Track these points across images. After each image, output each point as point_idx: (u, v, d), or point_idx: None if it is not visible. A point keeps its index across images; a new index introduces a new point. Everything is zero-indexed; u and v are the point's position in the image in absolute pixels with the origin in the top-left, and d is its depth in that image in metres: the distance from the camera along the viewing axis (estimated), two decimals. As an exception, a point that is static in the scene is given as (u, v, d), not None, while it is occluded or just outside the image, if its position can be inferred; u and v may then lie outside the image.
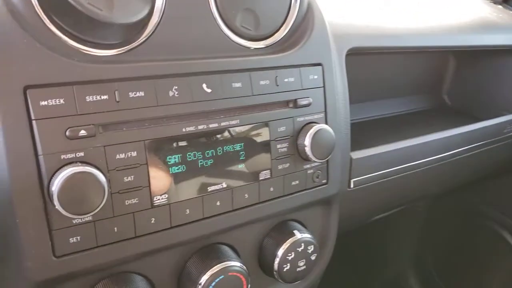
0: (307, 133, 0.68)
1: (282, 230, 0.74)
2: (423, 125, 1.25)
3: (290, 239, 0.72)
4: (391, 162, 1.02)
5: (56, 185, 0.47)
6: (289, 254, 0.72)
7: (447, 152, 1.14)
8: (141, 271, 0.62)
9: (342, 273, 2.15)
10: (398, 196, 1.12)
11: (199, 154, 0.60)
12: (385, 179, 1.02)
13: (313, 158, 0.68)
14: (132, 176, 0.54)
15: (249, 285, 0.68)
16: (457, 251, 1.76)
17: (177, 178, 0.59)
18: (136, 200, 0.55)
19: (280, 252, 0.71)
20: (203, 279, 0.63)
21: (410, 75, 1.40)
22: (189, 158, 0.60)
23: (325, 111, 0.73)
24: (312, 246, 0.74)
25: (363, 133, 1.14)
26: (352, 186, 0.96)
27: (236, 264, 0.65)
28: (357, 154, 0.93)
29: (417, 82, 1.44)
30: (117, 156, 0.53)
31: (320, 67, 0.72)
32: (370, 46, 0.96)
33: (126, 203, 0.55)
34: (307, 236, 0.74)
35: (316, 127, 0.68)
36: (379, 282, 2.05)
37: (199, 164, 0.61)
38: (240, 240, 0.71)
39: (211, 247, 0.67)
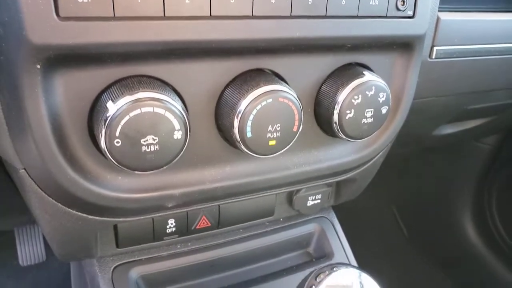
0: None
1: (347, 72, 0.58)
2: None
3: (358, 79, 0.56)
4: (488, 36, 0.82)
5: None
6: (356, 97, 0.56)
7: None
8: (171, 82, 0.49)
9: (387, 217, 1.99)
10: (485, 87, 0.92)
11: None
12: (476, 58, 0.83)
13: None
14: None
15: (301, 126, 0.54)
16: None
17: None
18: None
19: (344, 95, 0.56)
20: (245, 103, 0.50)
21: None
22: None
23: None
24: (385, 94, 0.58)
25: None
26: (434, 56, 0.77)
27: (289, 91, 0.51)
28: (446, 16, 0.74)
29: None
30: None
31: None
32: None
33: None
34: (380, 80, 0.58)
35: None
36: (430, 228, 1.88)
37: None
38: (295, 74, 0.56)
39: (259, 71, 0.53)
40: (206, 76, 0.51)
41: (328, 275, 0.44)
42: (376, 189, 2.06)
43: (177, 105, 0.46)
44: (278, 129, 0.52)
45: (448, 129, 1.15)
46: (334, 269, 0.45)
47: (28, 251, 1.35)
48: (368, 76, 0.57)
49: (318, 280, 0.44)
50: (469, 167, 1.71)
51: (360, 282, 0.48)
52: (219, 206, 0.65)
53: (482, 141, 1.62)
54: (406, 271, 1.83)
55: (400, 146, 1.32)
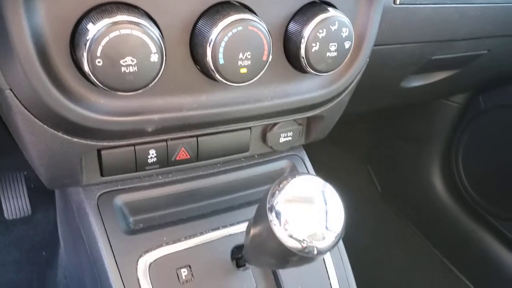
0: None
1: (313, 8, 0.63)
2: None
3: (322, 14, 0.61)
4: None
5: None
6: (320, 31, 0.61)
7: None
8: (148, 10, 0.52)
9: (363, 176, 2.08)
10: (447, 36, 0.98)
11: None
12: (439, 5, 0.88)
13: None
14: None
15: (270, 55, 0.59)
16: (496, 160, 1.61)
17: None
18: None
19: (309, 29, 0.61)
20: (216, 31, 0.54)
21: None
22: None
23: None
24: (347, 29, 0.63)
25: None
26: (398, 2, 0.82)
27: (258, 20, 0.56)
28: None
29: None
30: None
31: None
32: None
33: None
34: (343, 16, 0.62)
35: None
36: (402, 184, 1.97)
37: None
38: (265, 8, 0.60)
39: (230, 4, 0.57)
40: (181, 5, 0.54)
41: (290, 180, 0.50)
42: (353, 150, 2.15)
43: (154, 30, 0.50)
44: (249, 57, 0.57)
45: (416, 82, 1.21)
46: (297, 176, 0.51)
47: (13, 204, 1.38)
48: (332, 12, 0.62)
49: (281, 186, 0.50)
50: (438, 125, 1.80)
51: (323, 192, 0.53)
52: (197, 138, 0.70)
53: (450, 100, 1.70)
54: (378, 223, 1.94)
55: (372, 101, 1.38)
